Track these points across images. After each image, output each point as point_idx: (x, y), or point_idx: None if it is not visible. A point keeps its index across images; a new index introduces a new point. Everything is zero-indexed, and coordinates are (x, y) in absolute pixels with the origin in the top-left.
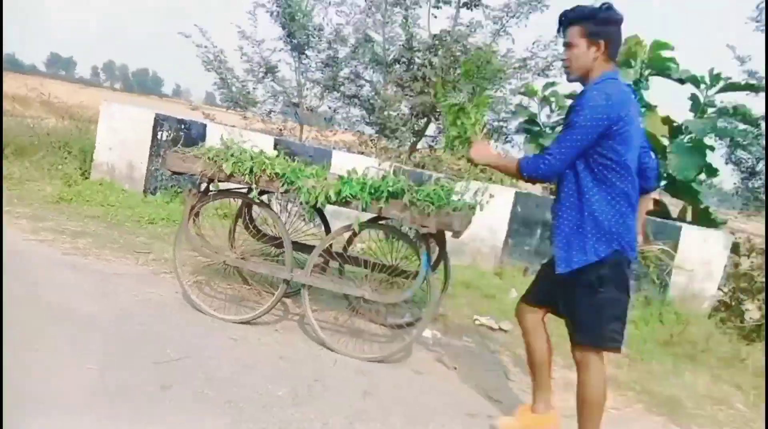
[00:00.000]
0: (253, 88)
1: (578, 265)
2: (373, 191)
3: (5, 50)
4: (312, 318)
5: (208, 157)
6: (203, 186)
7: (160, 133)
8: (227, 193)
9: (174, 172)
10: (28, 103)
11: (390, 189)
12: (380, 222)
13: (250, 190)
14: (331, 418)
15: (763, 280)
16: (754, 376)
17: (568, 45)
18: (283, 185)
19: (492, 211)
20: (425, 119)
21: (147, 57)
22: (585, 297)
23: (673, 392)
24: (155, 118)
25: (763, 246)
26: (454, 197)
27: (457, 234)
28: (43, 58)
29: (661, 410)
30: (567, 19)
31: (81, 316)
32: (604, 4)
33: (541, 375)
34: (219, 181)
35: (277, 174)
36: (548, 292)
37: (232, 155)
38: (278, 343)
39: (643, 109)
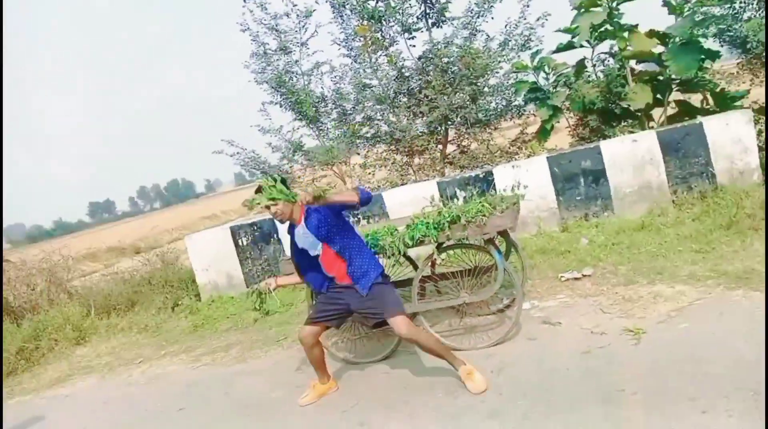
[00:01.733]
0: (290, 167)
1: (375, 280)
2: (436, 226)
3: (53, 217)
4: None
5: None
6: None
7: (239, 240)
8: None
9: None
10: (95, 256)
11: (447, 219)
12: (451, 243)
13: None
14: (483, 396)
15: None
16: None
17: (275, 213)
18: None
19: (534, 180)
20: (443, 128)
21: (172, 169)
22: (384, 291)
23: (746, 265)
24: (231, 230)
25: None
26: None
27: (512, 229)
28: (85, 210)
29: (738, 284)
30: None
31: (282, 400)
32: None
33: (321, 367)
34: None
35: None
36: (335, 313)
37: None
38: (420, 363)
39: (626, 34)
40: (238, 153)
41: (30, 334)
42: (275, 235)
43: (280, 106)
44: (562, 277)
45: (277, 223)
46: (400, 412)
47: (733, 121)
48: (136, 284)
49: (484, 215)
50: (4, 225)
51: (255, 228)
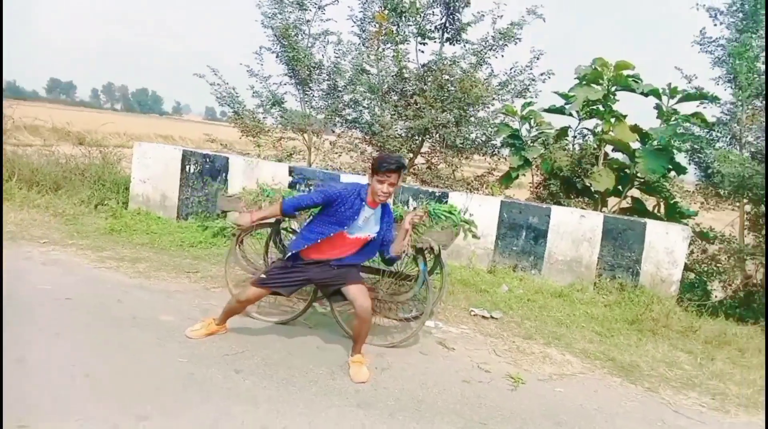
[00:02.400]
0: (263, 118)
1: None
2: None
3: (8, 78)
4: (338, 316)
5: (251, 199)
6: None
7: (188, 167)
8: (264, 225)
9: (223, 211)
10: (37, 131)
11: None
12: None
13: (279, 221)
14: (359, 387)
15: (726, 263)
16: (704, 343)
17: (392, 184)
18: None
19: (483, 218)
20: (420, 139)
21: (146, 77)
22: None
23: (633, 359)
24: (183, 154)
25: (728, 233)
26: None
27: (444, 247)
28: (44, 83)
29: (620, 373)
30: (400, 166)
31: (162, 324)
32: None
33: (228, 315)
34: None
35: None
36: (295, 282)
37: (268, 196)
38: (314, 337)
39: (613, 120)
40: (218, 84)
41: None
42: (224, 175)
43: (277, 56)
44: (472, 311)
45: (230, 160)
46: (276, 374)
47: (673, 233)
48: (68, 170)
49: (424, 225)
50: None
51: (207, 160)
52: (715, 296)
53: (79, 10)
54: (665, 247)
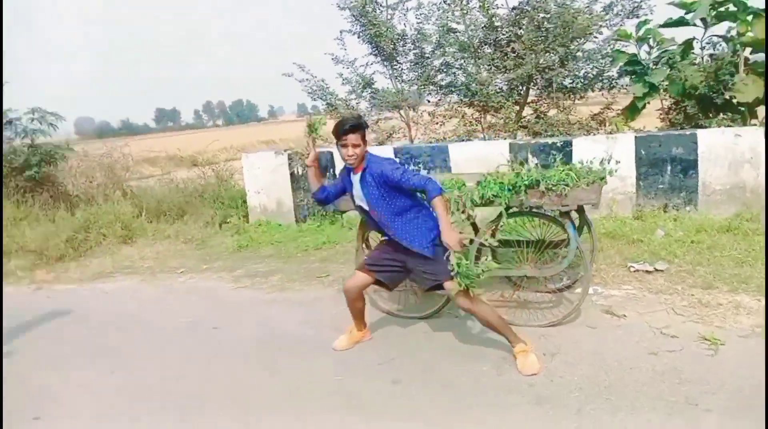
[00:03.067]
0: (357, 103)
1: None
2: (511, 187)
3: (121, 117)
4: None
5: None
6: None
7: (296, 169)
8: None
9: (341, 211)
10: (155, 161)
11: (525, 182)
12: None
13: None
14: (532, 380)
15: None
16: None
17: (354, 145)
18: None
19: (620, 161)
20: (525, 88)
21: (239, 89)
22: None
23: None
24: (288, 156)
25: None
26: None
27: (595, 205)
28: (151, 115)
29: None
30: (354, 126)
31: (307, 339)
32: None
33: (359, 317)
34: None
35: None
36: (392, 268)
37: None
38: (464, 328)
39: (749, 18)
40: (307, 79)
41: (81, 225)
42: (331, 170)
43: (358, 37)
44: (631, 267)
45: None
46: (438, 377)
47: None
48: (188, 194)
49: (567, 185)
50: (74, 117)
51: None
52: None
53: (173, 41)
54: None
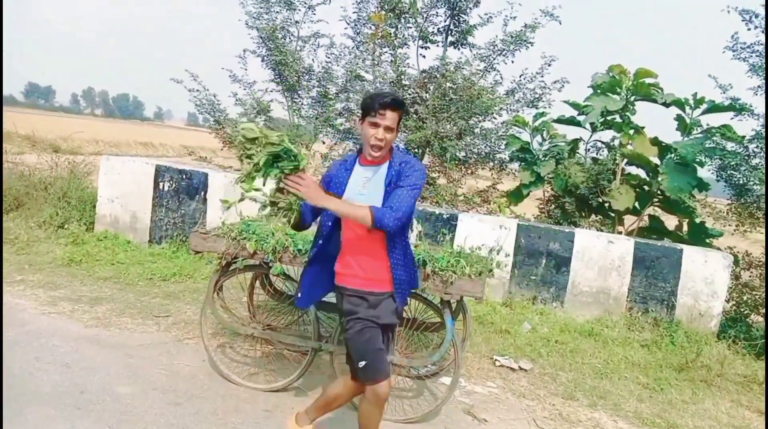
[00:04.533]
0: None
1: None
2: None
3: None
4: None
5: (232, 237)
6: (226, 262)
7: (161, 184)
8: (251, 267)
9: (197, 252)
10: (10, 137)
11: None
12: None
13: (267, 263)
14: None
15: (763, 292)
16: None
17: (389, 128)
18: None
19: (507, 252)
20: (421, 152)
21: (127, 82)
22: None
23: (697, 424)
24: (156, 169)
25: (763, 258)
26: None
27: (478, 298)
28: (21, 88)
29: None
30: (397, 103)
31: (118, 398)
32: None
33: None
34: (242, 257)
35: (299, 250)
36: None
37: (254, 233)
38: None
39: (631, 132)
40: (197, 90)
41: None
42: (203, 193)
43: (262, 60)
44: (497, 360)
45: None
46: None
47: (713, 261)
48: (30, 185)
49: (454, 272)
50: None
51: (183, 176)
52: (756, 330)
53: (59, 13)
54: (704, 277)
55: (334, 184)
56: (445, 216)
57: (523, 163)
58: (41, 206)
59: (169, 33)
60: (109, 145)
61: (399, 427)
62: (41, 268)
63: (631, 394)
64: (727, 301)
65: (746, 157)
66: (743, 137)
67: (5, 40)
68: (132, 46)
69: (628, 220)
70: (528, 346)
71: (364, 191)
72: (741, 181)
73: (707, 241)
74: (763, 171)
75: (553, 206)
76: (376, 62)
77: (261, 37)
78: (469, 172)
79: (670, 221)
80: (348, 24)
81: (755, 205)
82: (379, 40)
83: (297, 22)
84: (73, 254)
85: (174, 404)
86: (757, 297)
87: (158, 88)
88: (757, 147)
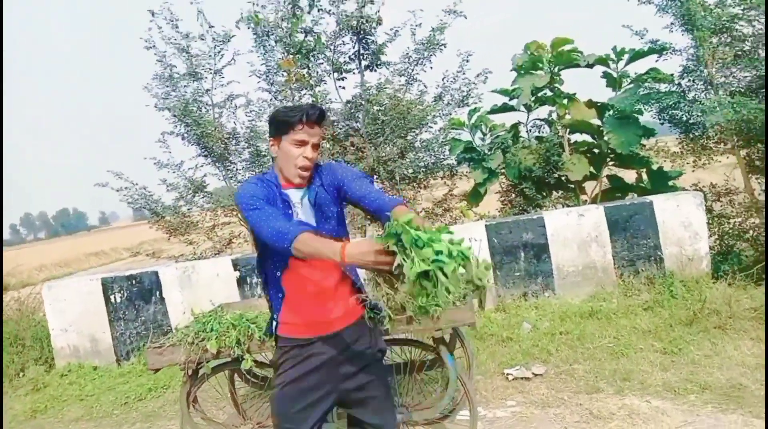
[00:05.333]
0: (188, 209)
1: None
2: (372, 316)
3: None
4: None
5: (189, 342)
6: (191, 370)
7: (112, 296)
8: (221, 367)
9: (157, 370)
10: None
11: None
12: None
13: (237, 359)
14: None
15: (744, 217)
16: None
17: (316, 146)
18: None
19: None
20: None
21: (63, 197)
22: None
23: (729, 376)
24: (102, 283)
25: (726, 184)
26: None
27: (472, 325)
28: None
29: (729, 404)
30: (324, 116)
31: None
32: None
33: None
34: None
35: (266, 334)
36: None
37: (212, 330)
38: None
39: (565, 101)
40: (126, 187)
41: None
42: (158, 293)
43: (183, 139)
44: (508, 375)
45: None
46: None
47: (684, 203)
48: None
49: (437, 306)
50: None
51: (133, 282)
52: (746, 257)
53: None
54: (681, 222)
55: (277, 203)
56: None
57: (471, 163)
58: None
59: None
60: (59, 265)
61: None
62: None
63: (653, 366)
64: (710, 237)
65: (681, 94)
66: (672, 75)
67: None
68: (57, 158)
69: (590, 187)
70: (534, 347)
71: (303, 216)
72: (684, 118)
73: (670, 184)
74: (704, 102)
75: (513, 196)
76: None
77: (175, 116)
78: (422, 187)
79: (630, 177)
80: (259, 77)
81: (704, 136)
82: (295, 85)
83: (208, 90)
84: (35, 404)
85: None
86: (736, 224)
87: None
88: (688, 81)
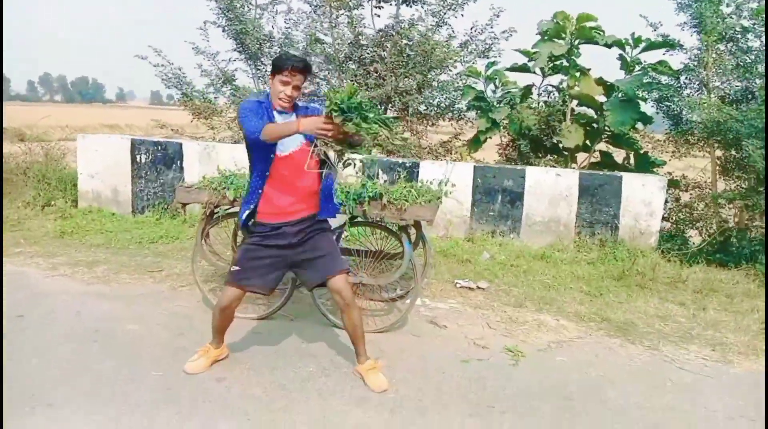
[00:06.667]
0: (215, 98)
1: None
2: (356, 197)
3: None
4: (320, 306)
5: (213, 188)
6: (210, 211)
7: (138, 156)
8: (232, 214)
9: (183, 204)
10: None
11: (370, 194)
12: (365, 219)
13: None
14: (355, 383)
15: (702, 210)
16: (693, 293)
17: (296, 87)
18: None
19: (456, 185)
20: (383, 108)
21: (85, 65)
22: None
23: (627, 316)
24: (132, 143)
25: (699, 180)
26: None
27: (429, 222)
28: None
29: (617, 333)
30: (306, 67)
31: (128, 334)
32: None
33: (222, 331)
34: (224, 205)
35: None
36: (271, 268)
37: (232, 183)
38: (298, 331)
39: (578, 74)
40: (162, 65)
41: None
42: (179, 162)
43: (223, 31)
44: (457, 283)
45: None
46: (263, 378)
47: (649, 184)
48: (9, 171)
49: (406, 200)
50: None
51: (159, 147)
52: (693, 243)
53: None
54: (642, 199)
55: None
56: (407, 164)
57: (479, 111)
58: (22, 189)
59: (122, 11)
60: (75, 130)
61: (371, 336)
62: (36, 241)
63: (573, 300)
64: (666, 220)
65: (678, 89)
66: (678, 71)
67: None
68: (86, 28)
69: (581, 157)
70: (486, 271)
71: (288, 138)
72: (675, 112)
73: (653, 170)
74: (695, 99)
75: (510, 149)
76: (334, 25)
77: (220, 8)
78: (431, 124)
79: (621, 156)
80: None
81: (689, 132)
82: (335, 3)
83: None
84: (63, 227)
85: (177, 335)
86: (694, 214)
87: (118, 69)
88: (687, 79)
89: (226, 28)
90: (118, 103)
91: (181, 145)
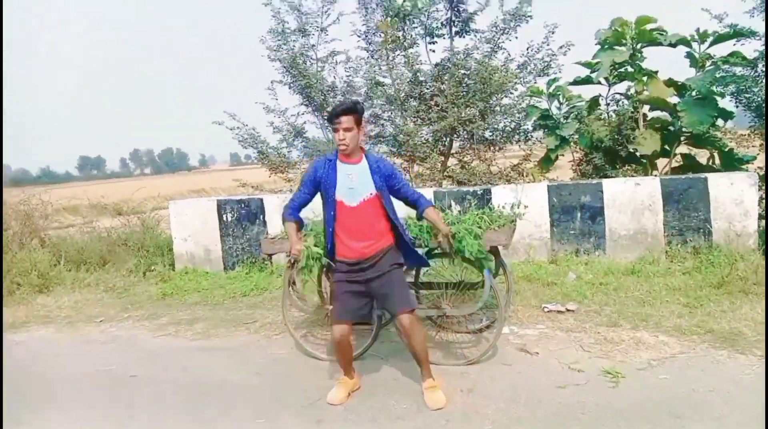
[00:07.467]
0: (288, 152)
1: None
2: (429, 230)
3: (40, 165)
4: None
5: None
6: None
7: (224, 216)
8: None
9: (269, 255)
10: (76, 210)
11: None
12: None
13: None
14: (450, 415)
15: None
16: None
17: (347, 129)
18: None
19: (532, 208)
20: (449, 140)
21: (168, 137)
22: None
23: (733, 326)
24: (217, 204)
25: None
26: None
27: (506, 246)
28: (74, 163)
29: (723, 344)
30: (345, 109)
31: (230, 385)
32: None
33: (350, 363)
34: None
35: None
36: (361, 300)
37: (311, 230)
38: (389, 368)
39: (645, 78)
40: (238, 127)
41: None
42: (261, 217)
43: (289, 88)
44: (545, 307)
45: (265, 201)
46: (359, 417)
47: (738, 182)
48: (111, 243)
49: (480, 227)
50: None
51: (242, 205)
52: None
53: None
54: (733, 199)
55: (325, 181)
56: (478, 192)
57: (546, 130)
58: (125, 259)
59: (198, 78)
60: (166, 198)
61: (461, 369)
62: (142, 305)
63: (671, 313)
64: (763, 217)
65: (756, 78)
66: (753, 60)
67: (54, 119)
68: (168, 99)
69: (662, 164)
70: (574, 291)
71: (353, 185)
72: (757, 102)
73: (742, 167)
74: None
75: (584, 164)
76: (392, 66)
77: (284, 67)
78: (498, 148)
79: (705, 157)
80: (359, 37)
81: None
82: (390, 45)
83: (313, 45)
84: (164, 290)
85: (274, 382)
86: None
87: (199, 137)
88: (764, 66)
89: (291, 84)
90: (201, 169)
91: (261, 200)
